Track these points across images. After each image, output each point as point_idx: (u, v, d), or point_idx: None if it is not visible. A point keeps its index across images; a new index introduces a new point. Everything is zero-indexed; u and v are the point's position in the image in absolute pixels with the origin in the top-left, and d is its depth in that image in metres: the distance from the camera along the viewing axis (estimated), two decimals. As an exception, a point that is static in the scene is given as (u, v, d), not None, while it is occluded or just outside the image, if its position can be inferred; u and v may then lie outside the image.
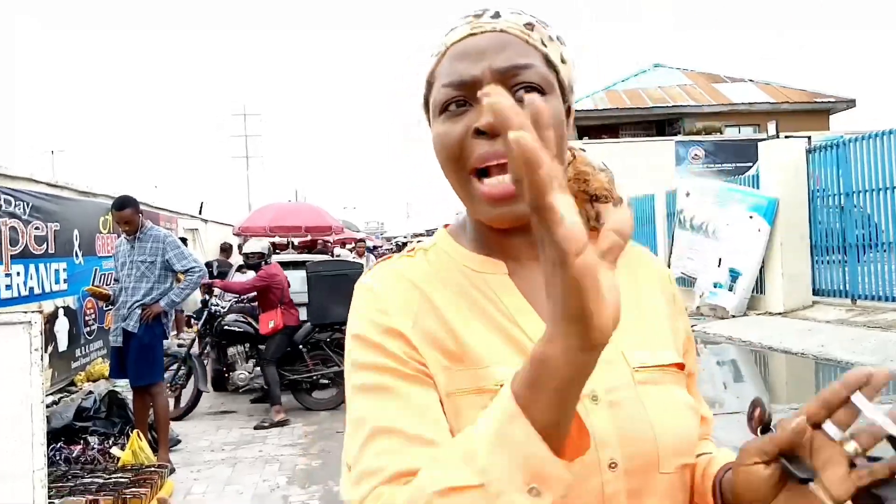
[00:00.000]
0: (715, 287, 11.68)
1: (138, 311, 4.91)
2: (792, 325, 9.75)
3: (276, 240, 17.51)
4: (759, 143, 11.93)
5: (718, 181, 13.47)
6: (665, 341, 0.82)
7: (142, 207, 5.23)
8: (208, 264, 9.86)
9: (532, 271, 0.80)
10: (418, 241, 0.90)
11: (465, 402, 0.71)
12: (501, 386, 0.60)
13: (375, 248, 22.42)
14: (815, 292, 10.67)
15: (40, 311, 2.55)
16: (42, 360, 2.53)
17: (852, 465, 0.60)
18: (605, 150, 21.38)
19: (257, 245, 6.95)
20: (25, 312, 2.56)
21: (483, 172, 0.75)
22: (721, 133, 22.26)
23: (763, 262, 11.10)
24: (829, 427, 0.61)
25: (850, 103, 24.06)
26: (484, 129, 0.73)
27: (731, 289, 11.55)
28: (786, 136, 13.46)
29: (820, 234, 10.61)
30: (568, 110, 0.82)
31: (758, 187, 11.50)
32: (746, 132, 22.34)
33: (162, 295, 5.01)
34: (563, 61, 0.80)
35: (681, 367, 0.81)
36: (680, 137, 21.99)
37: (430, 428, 0.68)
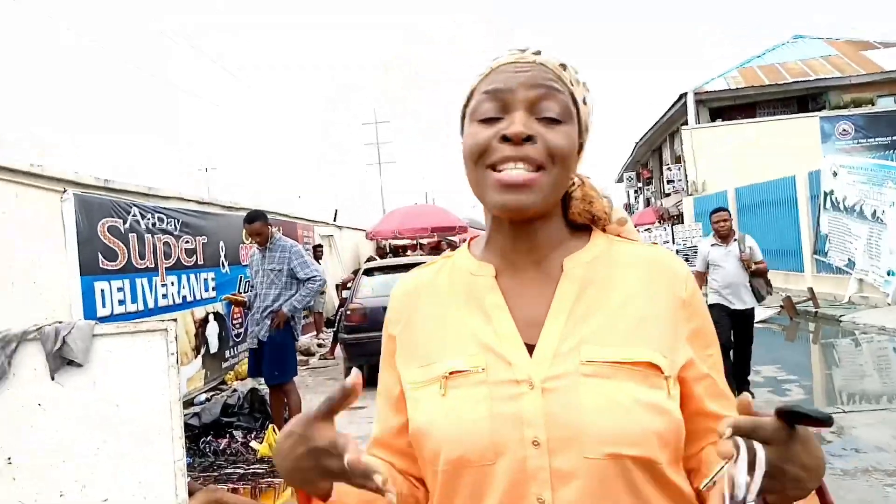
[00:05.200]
0: (889, 275, 10.66)
1: (268, 319, 5.33)
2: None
3: (406, 241, 18.16)
4: (913, 114, 10.88)
5: (867, 158, 12.37)
6: (639, 341, 0.86)
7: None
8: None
9: (518, 275, 0.95)
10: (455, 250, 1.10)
11: (422, 393, 0.91)
12: (451, 374, 0.86)
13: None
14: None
15: (174, 320, 2.90)
16: (178, 363, 2.88)
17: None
18: (741, 132, 20.27)
19: None
20: (163, 321, 2.93)
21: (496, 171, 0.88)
22: (873, 105, 20.38)
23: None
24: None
25: None
26: (510, 136, 0.86)
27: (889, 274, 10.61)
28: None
29: None
30: (580, 146, 0.95)
31: (912, 162, 10.51)
32: (903, 102, 20.26)
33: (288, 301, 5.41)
34: (584, 103, 0.94)
35: (653, 366, 0.84)
36: (825, 113, 20.38)
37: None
